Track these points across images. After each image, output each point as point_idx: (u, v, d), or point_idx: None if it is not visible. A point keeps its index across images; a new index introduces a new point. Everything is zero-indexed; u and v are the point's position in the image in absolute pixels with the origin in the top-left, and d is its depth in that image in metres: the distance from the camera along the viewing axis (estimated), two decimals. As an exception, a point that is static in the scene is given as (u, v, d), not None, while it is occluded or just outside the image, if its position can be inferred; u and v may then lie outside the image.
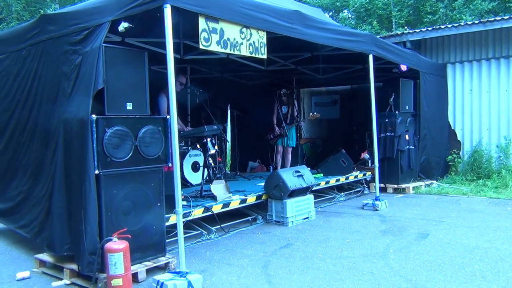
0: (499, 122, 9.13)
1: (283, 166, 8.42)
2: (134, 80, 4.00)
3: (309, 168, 6.78)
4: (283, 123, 8.53)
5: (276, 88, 8.97)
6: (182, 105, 8.54)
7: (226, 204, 5.46)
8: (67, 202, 3.96)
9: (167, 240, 4.31)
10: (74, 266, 3.88)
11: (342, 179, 7.85)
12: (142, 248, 3.99)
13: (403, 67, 7.82)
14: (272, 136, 8.71)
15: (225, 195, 5.67)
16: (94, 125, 3.68)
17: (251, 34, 4.60)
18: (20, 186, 4.79)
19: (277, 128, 8.63)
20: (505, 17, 8.63)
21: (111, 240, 3.56)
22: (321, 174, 7.96)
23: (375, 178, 7.05)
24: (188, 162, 6.97)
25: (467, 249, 4.60)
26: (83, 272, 3.73)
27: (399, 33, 10.27)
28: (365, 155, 8.82)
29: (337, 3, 23.19)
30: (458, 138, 9.58)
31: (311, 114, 8.99)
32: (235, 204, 5.61)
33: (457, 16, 17.64)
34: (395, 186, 8.28)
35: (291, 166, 8.10)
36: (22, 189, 4.76)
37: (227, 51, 4.38)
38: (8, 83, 5.03)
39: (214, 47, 4.20)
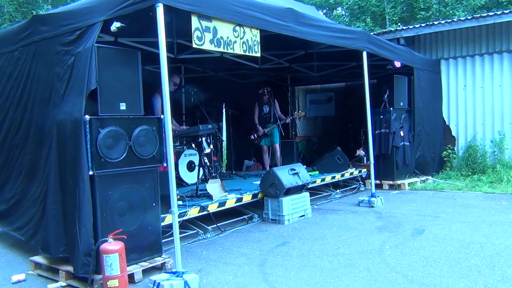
0: (493, 117, 9.17)
1: (275, 165, 8.42)
2: (127, 80, 3.98)
3: (304, 166, 6.78)
4: (267, 122, 8.57)
5: (271, 87, 8.96)
6: (177, 104, 8.52)
7: (222, 203, 5.45)
8: (61, 203, 3.93)
9: (163, 240, 4.30)
10: (70, 268, 3.85)
11: (338, 176, 7.86)
12: (138, 249, 3.97)
13: (397, 64, 7.84)
14: (256, 136, 8.71)
15: (221, 194, 5.66)
16: (87, 125, 3.66)
17: (244, 33, 4.58)
18: (14, 188, 4.75)
19: (260, 128, 8.64)
20: (498, 13, 8.66)
21: (106, 241, 3.54)
22: (317, 172, 7.96)
23: (371, 175, 7.07)
24: (183, 162, 6.96)
25: (463, 244, 4.62)
26: (78, 274, 3.71)
27: (392, 29, 10.27)
28: (361, 152, 8.83)
29: (331, 1, 23.23)
30: (453, 134, 9.61)
31: (296, 112, 9.00)
32: (231, 203, 5.60)
33: (450, 12, 17.72)
34: (391, 182, 8.29)
35: (284, 163, 8.09)
36: (16, 191, 4.72)
37: (221, 49, 4.37)
38: (1, 84, 4.99)
39: (208, 46, 4.19)
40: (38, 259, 4.24)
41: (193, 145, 7.05)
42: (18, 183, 4.67)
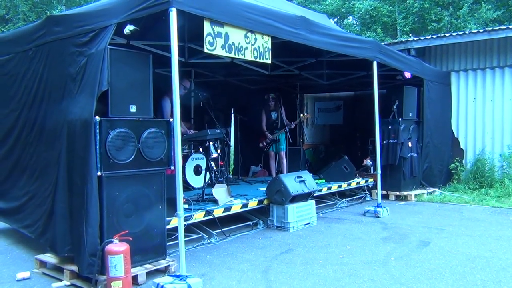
0: (502, 131, 9.11)
1: (280, 171, 8.42)
2: (138, 83, 4.02)
3: (311, 174, 6.77)
4: (275, 129, 8.58)
5: (280, 93, 8.97)
6: (186, 108, 8.56)
7: (227, 208, 5.45)
8: (69, 203, 3.96)
9: (168, 243, 4.30)
10: (74, 268, 3.88)
11: (344, 186, 7.84)
12: (142, 251, 3.98)
13: (407, 74, 7.83)
14: (265, 143, 8.70)
15: (226, 199, 5.66)
16: (97, 126, 3.70)
17: (256, 39, 4.61)
18: (27, 186, 4.78)
19: (269, 135, 8.64)
20: (510, 26, 8.64)
21: (112, 242, 3.56)
22: (323, 180, 7.94)
23: (377, 185, 7.04)
24: (190, 166, 6.98)
25: (469, 258, 4.58)
26: (83, 273, 3.73)
27: (403, 40, 10.27)
28: (368, 162, 8.80)
29: (342, 10, 23.30)
30: (461, 146, 9.55)
31: (301, 115, 8.99)
32: (236, 208, 5.61)
33: (462, 24, 17.69)
34: (397, 193, 8.25)
35: (290, 170, 8.08)
36: (29, 189, 4.75)
37: (232, 55, 4.39)
38: (16, 83, 5.04)
39: (219, 51, 4.21)
40: (43, 257, 4.27)
41: (201, 149, 7.08)
42: (31, 181, 4.70)
